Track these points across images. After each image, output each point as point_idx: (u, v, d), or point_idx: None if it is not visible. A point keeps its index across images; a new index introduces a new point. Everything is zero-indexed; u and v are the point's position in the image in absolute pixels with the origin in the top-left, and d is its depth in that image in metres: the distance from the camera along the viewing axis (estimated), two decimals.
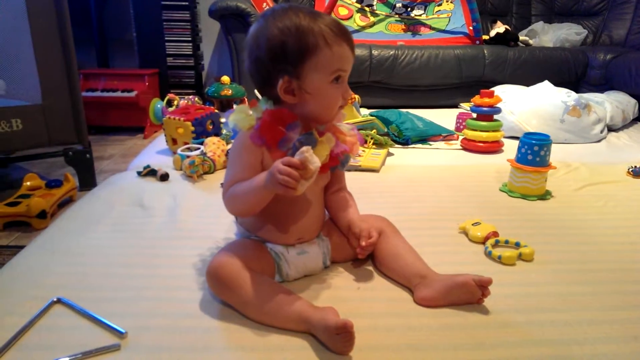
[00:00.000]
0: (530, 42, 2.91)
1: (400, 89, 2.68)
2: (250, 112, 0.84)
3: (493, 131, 1.81)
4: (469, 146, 1.84)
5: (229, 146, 1.62)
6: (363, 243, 0.87)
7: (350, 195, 0.97)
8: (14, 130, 1.59)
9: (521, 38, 2.88)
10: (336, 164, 0.88)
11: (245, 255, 0.82)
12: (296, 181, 0.71)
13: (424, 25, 2.99)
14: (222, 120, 1.85)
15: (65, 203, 1.60)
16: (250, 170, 0.82)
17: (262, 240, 0.89)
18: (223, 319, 0.78)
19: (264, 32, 0.79)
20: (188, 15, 2.89)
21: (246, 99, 2.26)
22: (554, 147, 1.37)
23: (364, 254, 0.89)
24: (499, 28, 2.82)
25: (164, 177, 1.45)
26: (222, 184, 1.41)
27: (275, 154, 0.81)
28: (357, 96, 1.98)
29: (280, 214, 0.86)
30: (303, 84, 0.79)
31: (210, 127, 1.73)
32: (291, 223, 0.87)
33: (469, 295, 0.81)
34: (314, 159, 0.72)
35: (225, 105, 2.26)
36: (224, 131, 1.82)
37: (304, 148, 0.72)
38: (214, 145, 1.58)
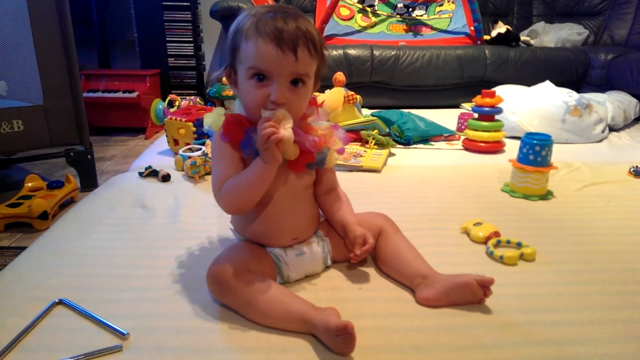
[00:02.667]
0: (532, 42, 2.91)
1: (401, 89, 2.68)
2: (223, 114, 0.85)
3: (494, 131, 1.81)
4: (471, 146, 1.84)
5: None
6: (357, 252, 0.86)
7: (343, 194, 0.96)
8: (15, 131, 1.59)
9: (522, 38, 2.87)
10: (312, 159, 0.85)
11: (245, 258, 0.82)
12: (275, 127, 0.74)
13: (426, 25, 2.99)
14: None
15: (66, 204, 1.60)
16: (234, 165, 0.82)
17: (260, 244, 0.89)
18: (225, 320, 0.78)
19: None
20: (189, 15, 2.89)
21: None
22: (555, 147, 1.37)
23: (357, 260, 0.89)
24: (500, 28, 2.82)
25: (166, 178, 1.45)
26: None
27: (240, 153, 0.82)
28: (358, 96, 1.98)
29: (270, 216, 0.86)
30: (237, 75, 0.82)
31: None
32: (282, 224, 0.87)
33: (471, 295, 0.81)
34: (271, 111, 0.76)
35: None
36: None
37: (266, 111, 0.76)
38: None
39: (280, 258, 0.88)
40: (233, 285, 0.77)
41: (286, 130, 0.75)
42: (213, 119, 0.86)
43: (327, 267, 0.94)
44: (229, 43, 0.81)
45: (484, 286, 0.80)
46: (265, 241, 0.88)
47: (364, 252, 0.86)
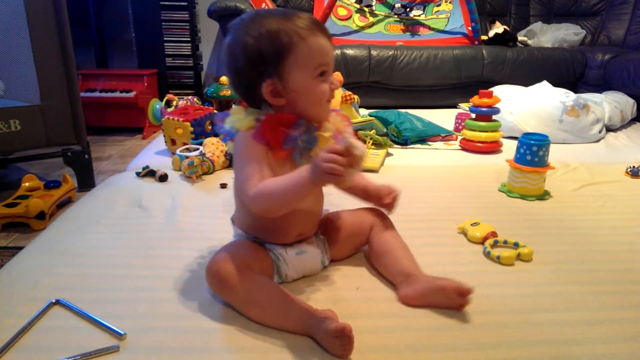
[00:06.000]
0: (529, 42, 2.91)
1: (399, 89, 2.68)
2: (247, 114, 0.83)
3: (492, 131, 1.82)
4: (468, 146, 1.85)
5: (228, 147, 1.62)
6: (387, 200, 0.89)
7: None
8: (12, 130, 1.59)
9: (520, 38, 2.88)
10: None
11: (245, 255, 0.82)
12: (343, 167, 0.68)
13: (423, 25, 2.99)
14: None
15: (64, 204, 1.60)
16: (265, 164, 0.79)
17: (261, 241, 0.89)
18: (222, 320, 0.78)
19: (238, 43, 0.80)
20: (187, 15, 2.89)
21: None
22: (552, 147, 1.37)
23: (392, 209, 0.92)
24: (498, 28, 2.82)
25: (163, 178, 1.45)
26: (221, 184, 1.41)
27: (277, 154, 0.80)
28: (356, 97, 1.98)
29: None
30: (287, 83, 0.79)
31: (209, 127, 1.73)
32: (290, 220, 0.87)
33: (448, 300, 0.80)
34: (358, 144, 0.69)
35: (225, 105, 2.26)
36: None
37: (347, 135, 0.71)
38: (212, 146, 1.58)
39: (280, 256, 0.87)
40: (233, 281, 0.77)
41: (352, 174, 0.70)
42: (237, 118, 0.83)
43: (324, 267, 0.95)
44: (265, 54, 0.77)
45: (461, 294, 0.79)
46: (269, 237, 0.88)
47: (394, 200, 0.90)
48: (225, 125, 0.84)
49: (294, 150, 0.81)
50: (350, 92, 1.93)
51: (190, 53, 2.94)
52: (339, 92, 1.92)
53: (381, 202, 0.92)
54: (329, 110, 0.86)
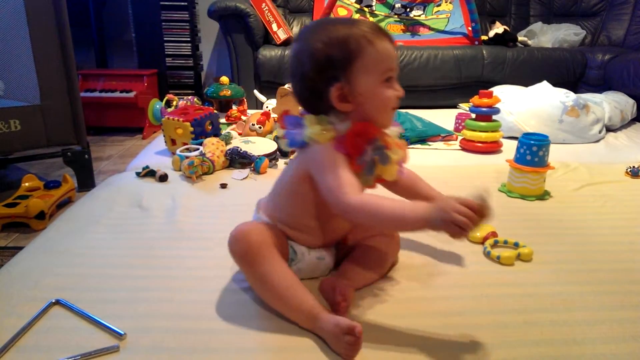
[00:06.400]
0: (529, 42, 2.91)
1: None
2: (319, 121, 0.81)
3: (492, 131, 1.82)
4: (468, 146, 1.85)
5: (228, 147, 1.62)
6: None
7: (407, 174, 0.97)
8: (12, 131, 1.59)
9: (520, 39, 2.88)
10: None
11: (271, 235, 0.82)
12: (473, 224, 0.66)
13: (423, 25, 2.99)
14: (221, 120, 1.83)
15: (64, 204, 1.60)
16: (350, 172, 0.78)
17: (286, 236, 0.88)
18: (223, 320, 0.78)
19: (306, 49, 0.80)
20: (187, 15, 2.89)
21: (245, 100, 2.25)
22: (552, 147, 1.37)
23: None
24: (498, 29, 2.82)
25: (163, 178, 1.45)
26: (221, 185, 1.41)
27: (352, 166, 0.79)
28: None
29: (318, 219, 0.85)
30: (355, 87, 0.78)
31: (209, 127, 1.73)
32: (325, 230, 0.87)
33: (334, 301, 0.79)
34: (490, 205, 0.68)
35: (225, 105, 2.26)
36: (223, 132, 1.82)
37: (484, 193, 0.68)
38: (213, 146, 1.58)
39: (300, 255, 0.87)
40: (257, 252, 0.78)
41: (472, 231, 0.68)
42: (316, 130, 0.80)
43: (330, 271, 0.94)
44: (334, 58, 0.77)
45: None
46: (295, 237, 0.88)
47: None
48: (304, 137, 0.81)
49: (364, 167, 0.80)
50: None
51: (190, 53, 2.95)
52: None
53: None
54: (392, 118, 0.86)
